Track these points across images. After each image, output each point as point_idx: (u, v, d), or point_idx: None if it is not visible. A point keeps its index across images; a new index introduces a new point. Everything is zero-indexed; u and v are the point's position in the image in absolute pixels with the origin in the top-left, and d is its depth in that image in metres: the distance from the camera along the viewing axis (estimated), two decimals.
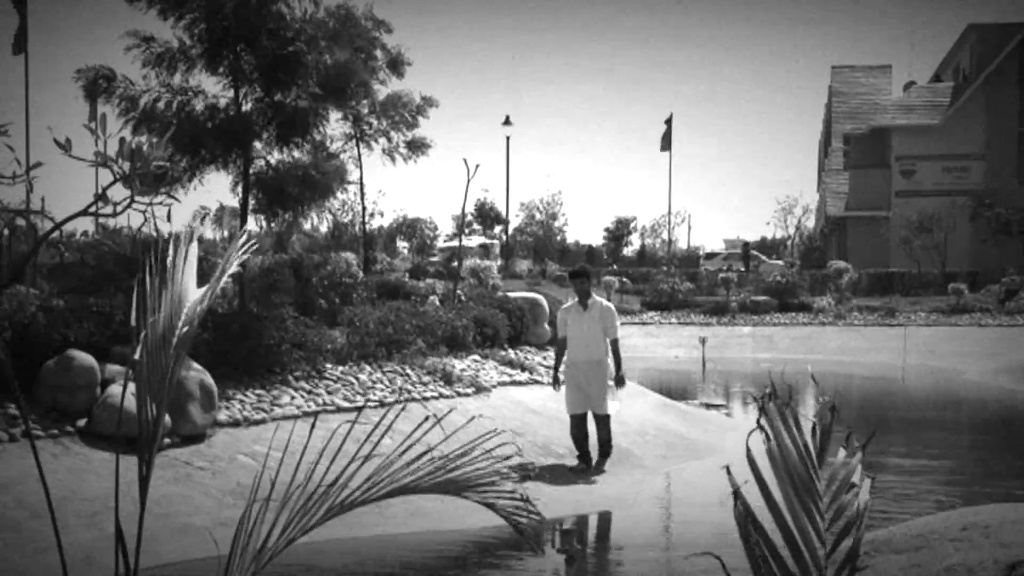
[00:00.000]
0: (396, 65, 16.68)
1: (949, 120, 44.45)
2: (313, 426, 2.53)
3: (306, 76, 11.23)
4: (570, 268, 11.52)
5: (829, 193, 50.15)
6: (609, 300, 33.90)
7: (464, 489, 2.36)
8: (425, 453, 2.35)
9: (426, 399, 10.93)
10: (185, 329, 2.18)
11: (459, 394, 11.47)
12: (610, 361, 10.04)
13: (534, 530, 2.60)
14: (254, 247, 2.41)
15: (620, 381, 10.07)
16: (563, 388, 10.14)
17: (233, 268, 2.28)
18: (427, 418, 2.47)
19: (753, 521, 1.63)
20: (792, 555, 1.64)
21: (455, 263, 25.19)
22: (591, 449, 10.07)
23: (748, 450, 1.71)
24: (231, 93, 11.60)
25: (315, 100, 11.56)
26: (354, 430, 2.46)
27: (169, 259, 2.24)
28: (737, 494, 1.68)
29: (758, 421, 1.72)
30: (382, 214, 50.83)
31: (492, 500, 2.41)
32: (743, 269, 46.38)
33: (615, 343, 10.06)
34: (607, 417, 9.96)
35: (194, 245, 2.30)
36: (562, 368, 10.21)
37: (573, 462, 10.22)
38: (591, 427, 10.04)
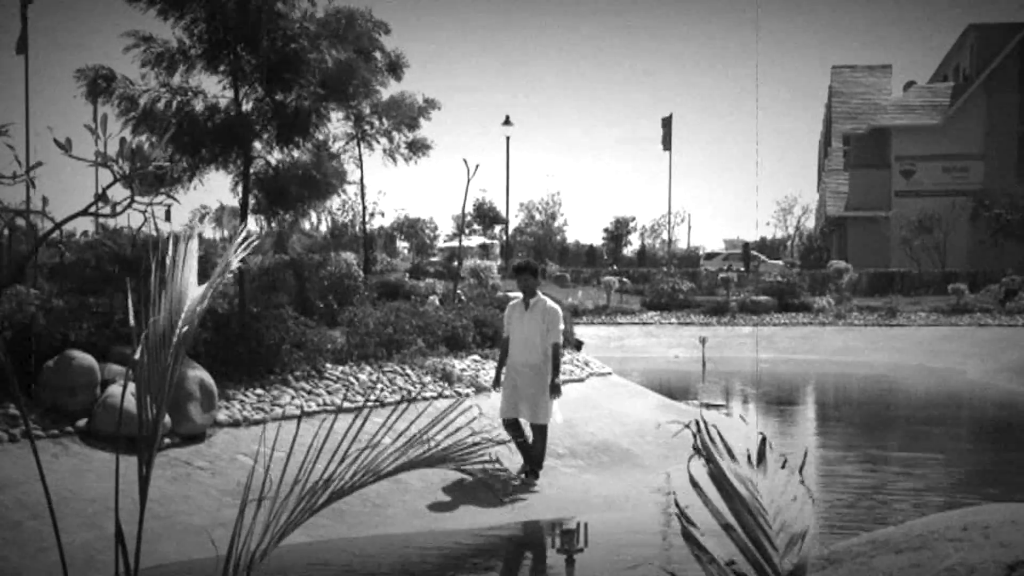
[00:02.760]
0: (395, 68, 16.72)
1: (949, 120, 44.46)
2: (299, 423, 2.53)
3: (307, 75, 11.22)
4: (515, 264, 10.53)
5: (829, 193, 50.16)
6: (609, 300, 34.26)
7: (446, 462, 2.36)
8: (404, 431, 2.34)
9: (426, 399, 10.93)
10: (185, 329, 2.18)
11: (459, 394, 11.47)
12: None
13: (505, 474, 2.63)
14: (254, 244, 2.41)
15: (555, 390, 9.20)
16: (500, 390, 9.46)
17: (235, 265, 2.29)
18: (401, 401, 2.47)
19: (695, 541, 1.67)
20: (750, 563, 1.66)
21: (455, 263, 25.20)
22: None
23: (690, 476, 1.73)
24: (231, 93, 11.60)
25: (316, 99, 11.56)
26: (351, 428, 2.46)
27: (168, 258, 2.24)
28: (682, 515, 1.71)
29: (694, 447, 1.74)
30: (383, 214, 50.82)
31: (461, 462, 2.42)
32: (743, 269, 46.37)
33: (555, 347, 9.27)
34: (543, 427, 9.20)
35: (194, 242, 2.30)
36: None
37: (575, 462, 10.21)
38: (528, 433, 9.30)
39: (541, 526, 8.05)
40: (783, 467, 1.78)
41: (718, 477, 1.69)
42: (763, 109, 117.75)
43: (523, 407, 9.17)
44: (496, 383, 9.62)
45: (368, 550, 7.27)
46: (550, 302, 9.48)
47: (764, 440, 1.81)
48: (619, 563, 6.98)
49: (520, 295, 9.66)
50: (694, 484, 1.68)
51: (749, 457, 1.76)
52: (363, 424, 2.33)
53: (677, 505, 1.69)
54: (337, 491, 2.23)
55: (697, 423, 1.77)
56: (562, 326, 9.43)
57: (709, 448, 1.72)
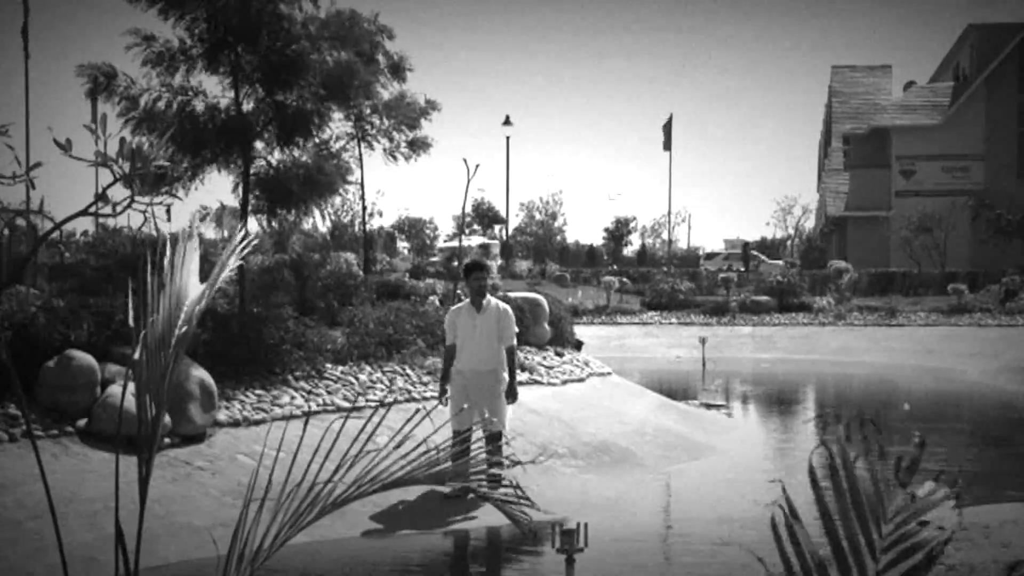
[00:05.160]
0: (398, 70, 16.75)
1: (949, 120, 44.46)
2: (306, 424, 2.52)
3: (309, 76, 11.23)
4: (467, 262, 9.66)
5: (829, 193, 50.16)
6: (609, 300, 34.26)
7: (456, 478, 2.36)
8: (418, 446, 2.35)
9: (426, 399, 10.92)
10: (184, 329, 2.18)
11: None
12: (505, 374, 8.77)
13: (526, 516, 2.58)
14: (253, 244, 2.41)
15: (512, 395, 8.74)
16: (449, 401, 8.74)
17: (231, 267, 2.28)
18: (417, 411, 2.47)
19: (793, 531, 1.61)
20: (839, 569, 1.62)
21: (455, 263, 25.21)
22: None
23: (811, 467, 1.68)
24: (232, 93, 11.60)
25: (317, 100, 11.56)
26: (351, 428, 2.46)
27: (167, 259, 2.24)
28: (788, 505, 1.66)
29: (822, 439, 1.70)
30: (381, 214, 50.87)
31: (484, 490, 2.41)
32: (743, 269, 46.37)
33: (512, 352, 8.79)
34: (499, 435, 8.50)
35: (195, 242, 2.30)
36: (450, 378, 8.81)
37: (575, 462, 10.20)
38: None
39: (541, 526, 8.05)
40: (937, 479, 1.73)
41: (844, 468, 1.63)
42: (763, 109, 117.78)
43: (476, 416, 8.46)
44: (442, 394, 8.82)
45: (368, 550, 7.27)
46: (502, 303, 9.01)
47: (923, 443, 1.77)
48: (619, 563, 6.98)
49: (464, 301, 9.04)
50: (813, 481, 1.64)
51: (899, 461, 1.71)
52: (374, 431, 2.33)
53: (785, 491, 1.64)
54: (344, 497, 2.23)
55: (822, 440, 1.73)
56: (515, 328, 8.95)
57: (844, 447, 1.67)
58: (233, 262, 2.28)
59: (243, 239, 2.37)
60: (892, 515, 1.64)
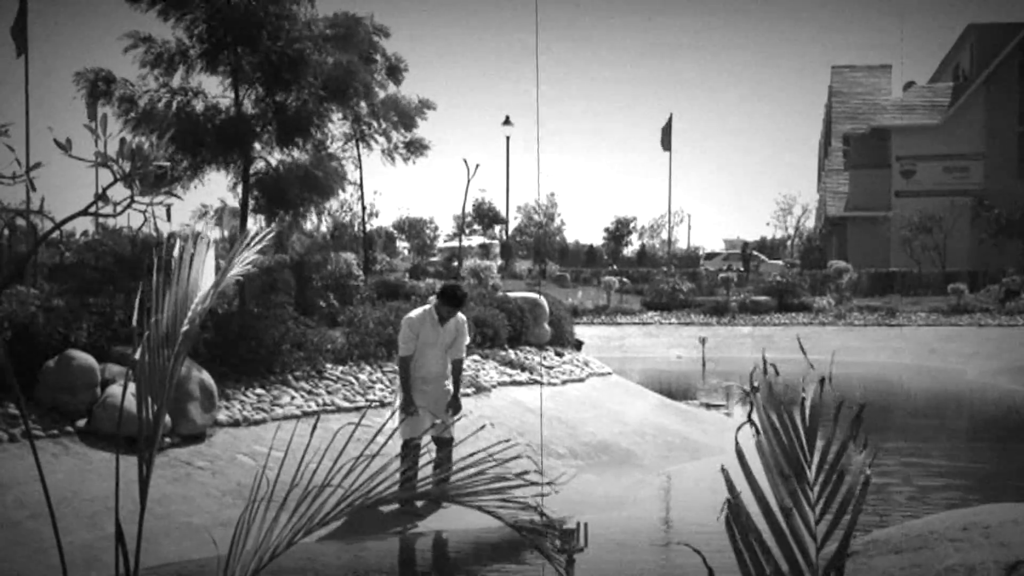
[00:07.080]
0: (394, 72, 16.76)
1: (949, 120, 44.47)
2: (315, 427, 2.52)
3: (309, 77, 11.22)
4: (445, 285, 9.29)
5: (829, 193, 50.17)
6: (609, 300, 34.29)
7: (482, 503, 2.35)
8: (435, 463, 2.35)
9: None
10: (187, 328, 2.18)
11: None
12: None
13: (555, 549, 2.52)
14: (263, 242, 2.39)
15: (455, 406, 8.56)
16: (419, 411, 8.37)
17: (249, 260, 2.28)
18: (434, 425, 2.47)
19: (746, 519, 1.62)
20: (782, 551, 1.63)
21: (455, 263, 25.22)
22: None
23: (737, 445, 1.69)
24: (232, 93, 11.60)
25: (317, 101, 11.56)
26: (354, 430, 2.46)
27: (175, 258, 2.24)
28: (731, 491, 1.67)
29: (748, 416, 1.72)
30: (377, 214, 50.89)
31: (517, 523, 2.38)
32: (743, 269, 46.36)
33: (459, 363, 8.70)
34: (450, 440, 8.35)
35: (210, 242, 2.31)
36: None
37: (575, 462, 10.20)
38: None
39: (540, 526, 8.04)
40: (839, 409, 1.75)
41: (765, 447, 1.64)
42: (763, 109, 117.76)
43: (429, 423, 8.19)
44: (410, 404, 8.39)
45: (368, 550, 7.27)
46: (461, 315, 8.82)
47: (861, 411, 1.78)
48: (619, 563, 6.99)
49: (424, 307, 8.85)
50: (739, 456, 1.65)
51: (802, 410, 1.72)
52: (388, 438, 2.33)
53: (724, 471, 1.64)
54: (363, 498, 2.22)
55: (749, 417, 1.74)
56: (467, 340, 8.88)
57: (764, 416, 1.68)
58: (250, 255, 2.28)
59: (259, 231, 2.37)
60: (815, 472, 1.65)
